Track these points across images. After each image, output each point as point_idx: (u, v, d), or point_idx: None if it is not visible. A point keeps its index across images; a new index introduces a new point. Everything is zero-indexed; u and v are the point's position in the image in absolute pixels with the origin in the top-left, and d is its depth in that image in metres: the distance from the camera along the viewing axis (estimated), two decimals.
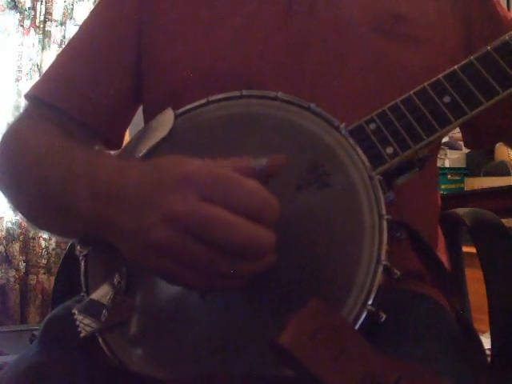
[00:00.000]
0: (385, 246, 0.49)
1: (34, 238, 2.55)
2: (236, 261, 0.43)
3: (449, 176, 2.49)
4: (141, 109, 0.77)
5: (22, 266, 2.53)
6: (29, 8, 2.60)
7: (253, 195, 0.43)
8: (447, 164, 2.58)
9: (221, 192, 0.43)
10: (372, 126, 0.55)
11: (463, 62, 0.56)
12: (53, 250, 2.58)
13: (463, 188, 2.49)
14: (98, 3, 0.78)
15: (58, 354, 0.56)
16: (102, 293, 0.53)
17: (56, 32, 2.65)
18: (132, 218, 0.46)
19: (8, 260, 2.51)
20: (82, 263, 0.56)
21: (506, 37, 0.57)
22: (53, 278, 2.40)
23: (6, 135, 0.67)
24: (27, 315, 2.50)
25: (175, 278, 0.45)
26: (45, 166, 0.58)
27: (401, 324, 0.56)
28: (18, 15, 2.58)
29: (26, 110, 0.73)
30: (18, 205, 0.64)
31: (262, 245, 0.43)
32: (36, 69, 2.59)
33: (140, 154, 0.57)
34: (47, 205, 0.57)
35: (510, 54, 0.56)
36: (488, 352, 0.58)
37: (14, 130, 0.68)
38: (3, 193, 0.64)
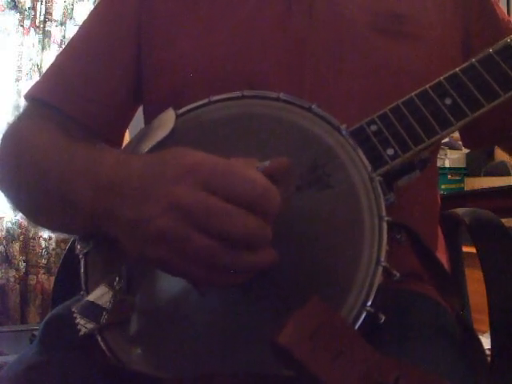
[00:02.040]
0: (384, 248, 0.49)
1: (34, 238, 2.54)
2: (235, 252, 0.43)
3: (449, 176, 2.50)
4: (141, 108, 0.77)
5: (22, 266, 2.52)
6: (29, 8, 2.59)
7: (255, 186, 0.43)
8: (447, 164, 2.58)
9: (223, 183, 0.43)
10: (373, 127, 0.55)
11: (465, 65, 0.56)
12: (53, 249, 2.58)
13: (463, 188, 2.49)
14: (98, 3, 0.78)
15: (58, 353, 0.55)
16: (98, 293, 0.53)
17: (56, 32, 2.65)
18: (133, 209, 0.46)
19: (8, 260, 2.50)
20: (82, 262, 0.56)
21: (508, 39, 0.57)
22: (53, 278, 2.40)
23: (6, 135, 0.67)
24: (27, 315, 2.50)
25: (174, 268, 0.45)
26: (45, 163, 0.58)
27: (401, 324, 0.56)
28: (18, 15, 2.58)
29: (26, 110, 0.73)
30: (18, 203, 0.64)
31: (254, 234, 0.43)
32: (36, 69, 2.59)
33: (143, 152, 0.57)
34: (48, 201, 0.57)
35: (511, 56, 0.56)
36: (488, 352, 0.58)
37: (14, 129, 0.68)
38: (3, 192, 0.64)
